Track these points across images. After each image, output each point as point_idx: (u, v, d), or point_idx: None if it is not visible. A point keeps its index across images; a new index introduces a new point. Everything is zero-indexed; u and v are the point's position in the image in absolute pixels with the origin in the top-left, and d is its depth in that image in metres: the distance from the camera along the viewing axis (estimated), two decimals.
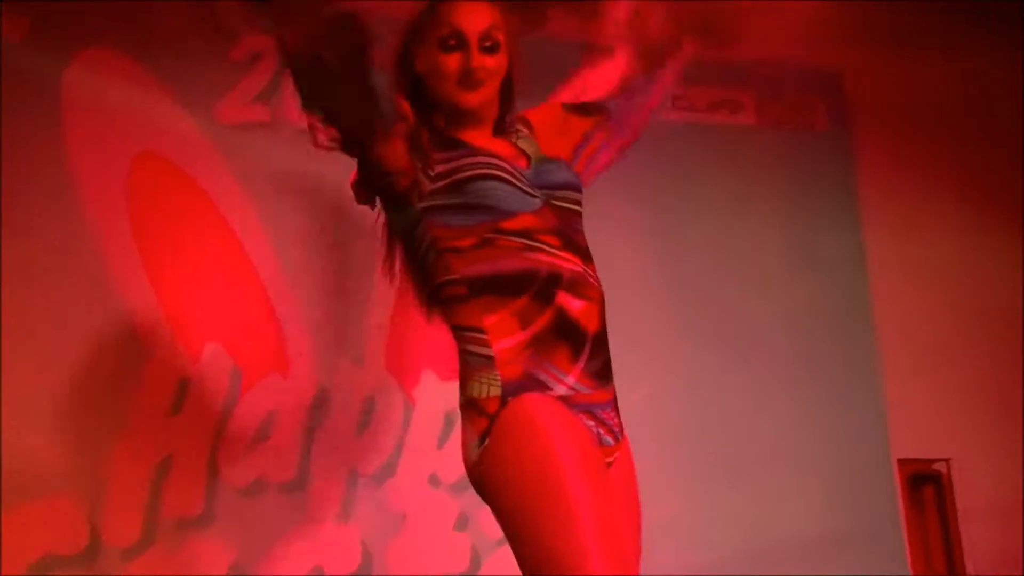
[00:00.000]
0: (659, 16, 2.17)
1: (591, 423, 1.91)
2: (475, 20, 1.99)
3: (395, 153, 1.87)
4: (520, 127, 2.10)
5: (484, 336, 1.90)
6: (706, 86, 3.83)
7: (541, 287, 1.91)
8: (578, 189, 2.05)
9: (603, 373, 1.95)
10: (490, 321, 1.90)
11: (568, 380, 1.90)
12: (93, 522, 2.92)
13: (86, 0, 3.14)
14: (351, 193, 2.00)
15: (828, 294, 3.83)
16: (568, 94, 2.23)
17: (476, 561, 3.21)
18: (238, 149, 3.24)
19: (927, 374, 3.87)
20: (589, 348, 1.92)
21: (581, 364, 1.91)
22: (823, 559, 3.49)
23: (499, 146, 2.03)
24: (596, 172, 2.18)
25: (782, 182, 3.88)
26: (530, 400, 1.86)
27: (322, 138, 1.82)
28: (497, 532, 1.90)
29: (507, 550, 1.87)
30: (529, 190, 1.96)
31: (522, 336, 1.89)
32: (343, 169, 2.01)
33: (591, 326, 1.94)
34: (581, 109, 2.18)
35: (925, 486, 3.88)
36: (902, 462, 3.79)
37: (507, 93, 2.07)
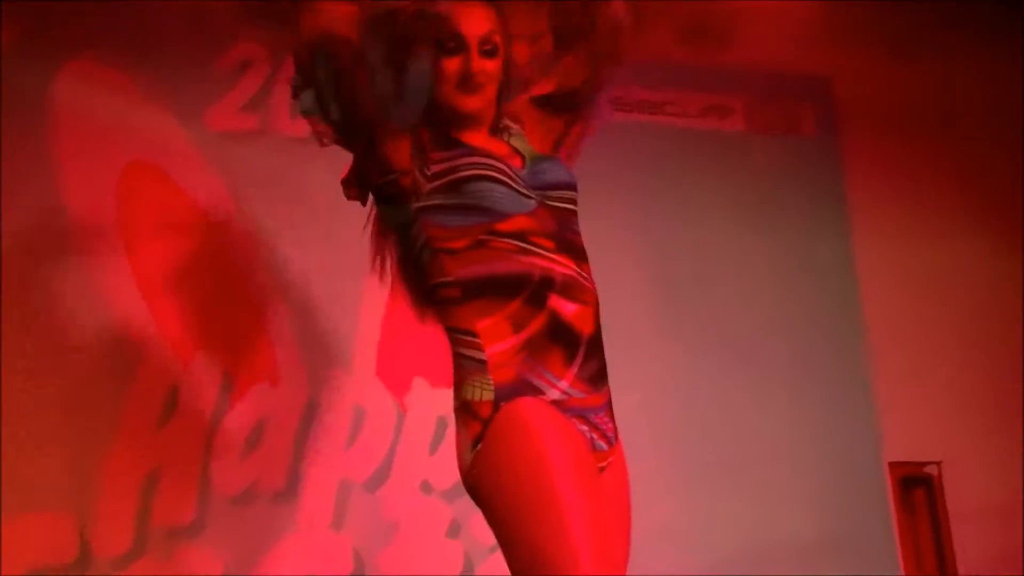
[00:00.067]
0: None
1: (584, 428, 1.91)
2: (475, 24, 1.99)
3: (401, 151, 1.88)
4: (511, 124, 2.10)
5: (477, 340, 1.89)
6: (695, 91, 3.84)
7: (534, 291, 1.90)
8: (573, 187, 2.04)
9: (597, 377, 1.94)
10: (483, 325, 1.90)
11: (561, 384, 1.89)
12: (84, 531, 2.91)
13: (76, 8, 3.13)
14: (342, 197, 2.00)
15: (819, 298, 3.84)
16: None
17: (469, 568, 3.21)
18: (228, 157, 3.24)
19: (918, 378, 3.88)
20: (583, 352, 1.92)
21: (575, 368, 1.90)
22: (816, 561, 3.50)
23: (495, 146, 2.03)
24: (574, 163, 2.17)
25: (772, 187, 3.89)
26: (523, 405, 1.85)
27: (323, 134, 1.84)
28: (490, 539, 1.89)
29: (500, 557, 1.86)
30: (524, 191, 1.96)
31: (515, 340, 1.89)
32: (332, 177, 2.01)
33: (585, 329, 1.93)
34: (550, 102, 2.16)
35: (916, 489, 3.89)
36: (893, 465, 3.80)
37: (505, 96, 2.07)
